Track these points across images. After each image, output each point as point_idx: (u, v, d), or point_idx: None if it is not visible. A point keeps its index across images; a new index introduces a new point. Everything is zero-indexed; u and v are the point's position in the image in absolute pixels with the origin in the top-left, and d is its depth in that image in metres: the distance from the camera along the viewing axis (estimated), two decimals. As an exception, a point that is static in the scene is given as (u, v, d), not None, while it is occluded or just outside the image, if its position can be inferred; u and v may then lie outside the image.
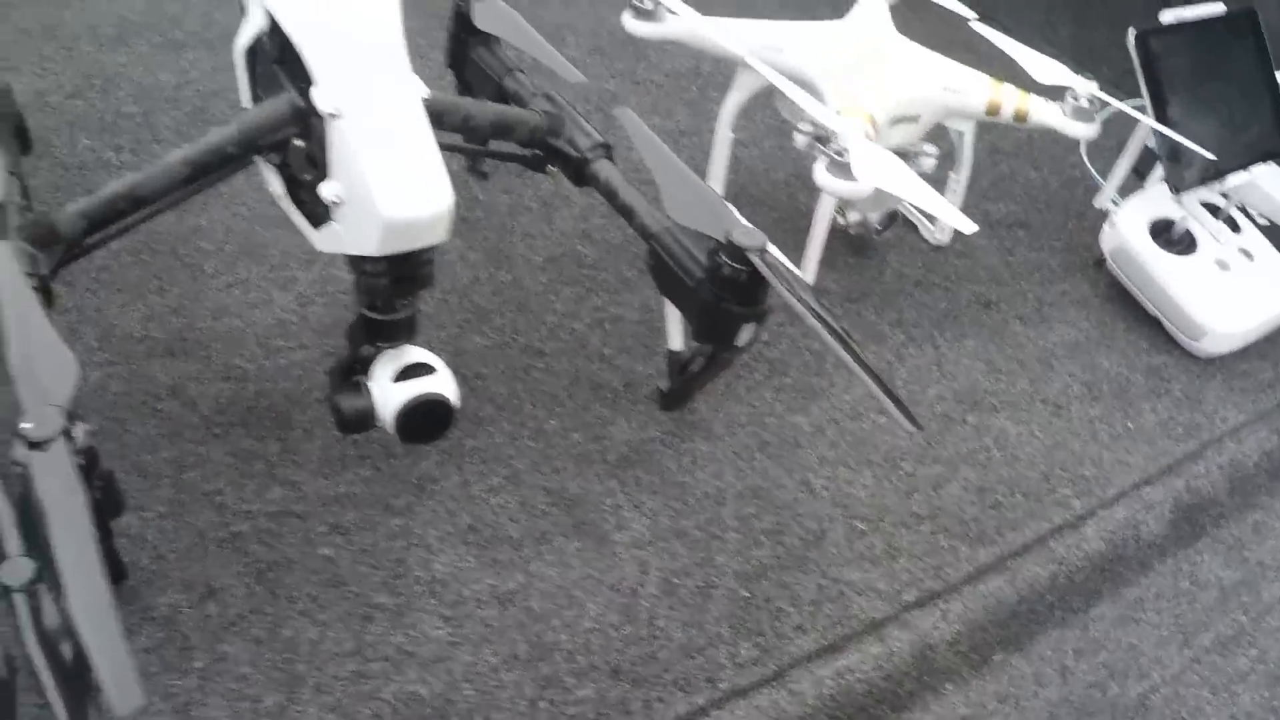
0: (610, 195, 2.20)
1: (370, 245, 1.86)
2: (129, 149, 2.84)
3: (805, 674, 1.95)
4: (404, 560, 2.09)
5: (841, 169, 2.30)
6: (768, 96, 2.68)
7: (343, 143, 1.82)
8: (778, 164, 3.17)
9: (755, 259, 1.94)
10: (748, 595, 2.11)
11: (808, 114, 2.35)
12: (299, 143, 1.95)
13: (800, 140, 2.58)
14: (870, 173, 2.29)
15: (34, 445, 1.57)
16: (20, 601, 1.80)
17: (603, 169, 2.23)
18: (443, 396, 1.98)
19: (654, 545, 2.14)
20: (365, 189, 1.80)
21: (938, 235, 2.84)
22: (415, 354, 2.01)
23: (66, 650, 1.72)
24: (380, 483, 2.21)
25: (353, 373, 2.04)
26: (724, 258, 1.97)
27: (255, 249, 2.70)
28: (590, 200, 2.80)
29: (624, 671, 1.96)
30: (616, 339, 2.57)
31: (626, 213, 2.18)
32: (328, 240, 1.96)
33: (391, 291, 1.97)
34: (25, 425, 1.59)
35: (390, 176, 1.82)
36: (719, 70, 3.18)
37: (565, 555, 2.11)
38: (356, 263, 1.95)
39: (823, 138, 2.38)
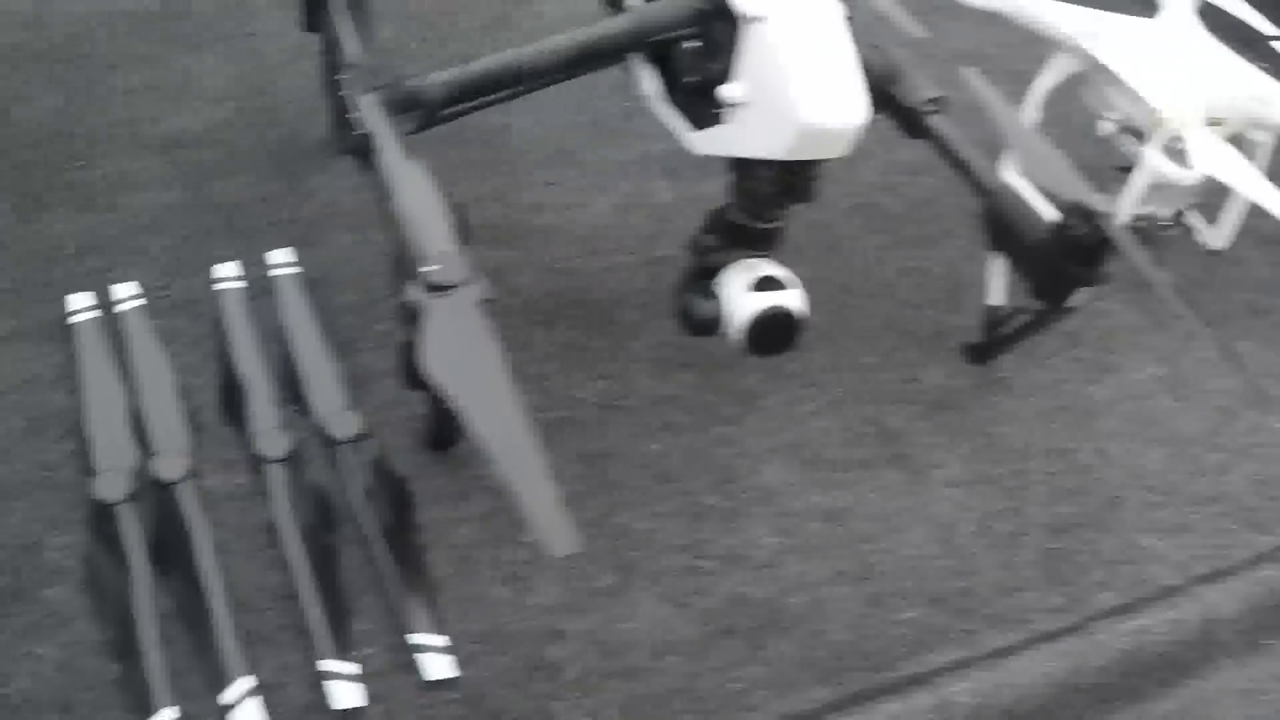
0: (945, 149, 2.16)
1: (776, 148, 1.85)
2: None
3: (1107, 628, 1.94)
4: (732, 467, 2.10)
5: (1176, 155, 2.27)
6: (1072, 83, 2.63)
7: (761, 46, 1.81)
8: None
9: (1106, 224, 1.92)
10: (1055, 546, 2.06)
11: (1147, 102, 2.35)
12: (691, 44, 1.95)
13: (1106, 128, 2.60)
14: (1208, 160, 2.26)
15: (435, 289, 1.60)
16: (276, 472, 1.99)
17: (939, 123, 2.18)
18: (796, 311, 1.97)
19: (968, 487, 2.15)
20: (783, 92, 1.79)
21: (1214, 241, 2.74)
22: (769, 266, 2.00)
23: (319, 521, 1.89)
24: (707, 390, 2.22)
25: (703, 277, 2.04)
26: (1074, 219, 1.95)
27: (567, 154, 2.72)
28: (891, 155, 2.76)
29: (943, 601, 1.93)
30: (924, 290, 2.56)
31: (962, 167, 2.13)
32: (711, 142, 1.95)
33: (774, 200, 1.97)
34: (428, 269, 1.62)
35: (811, 82, 1.80)
36: (1006, 55, 3.09)
37: (886, 483, 2.12)
38: (744, 166, 1.95)
39: (1133, 129, 2.38)
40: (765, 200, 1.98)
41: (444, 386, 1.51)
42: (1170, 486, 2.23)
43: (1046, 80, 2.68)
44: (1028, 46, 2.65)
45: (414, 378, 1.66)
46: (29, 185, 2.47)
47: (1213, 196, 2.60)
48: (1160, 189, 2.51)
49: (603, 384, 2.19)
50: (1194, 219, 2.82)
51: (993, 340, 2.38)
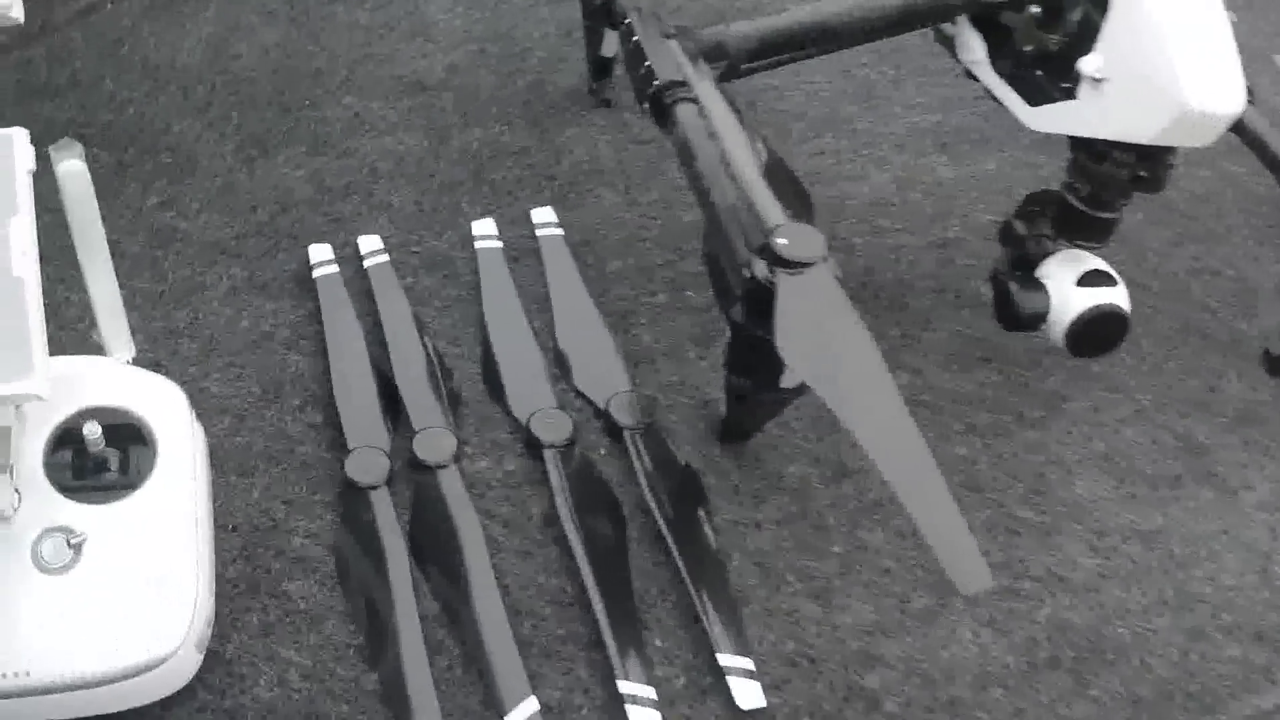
0: (1258, 146, 2.02)
1: (1143, 131, 1.67)
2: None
3: None
4: (1044, 476, 1.93)
5: None
6: None
7: (1135, 16, 1.63)
8: None
9: None
10: None
11: None
12: (1034, 9, 1.79)
13: None
14: None
15: (788, 265, 1.45)
16: (555, 459, 1.81)
17: (1249, 116, 1.96)
18: (1126, 312, 1.81)
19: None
20: (1163, 70, 1.60)
21: None
22: (1094, 260, 1.83)
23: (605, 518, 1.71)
24: (1010, 389, 2.05)
25: (1020, 266, 1.88)
26: None
27: (836, 123, 2.55)
28: None
29: (1265, 638, 1.77)
30: (1215, 291, 2.33)
31: (1277, 167, 1.99)
32: (1055, 119, 1.79)
33: (1123, 188, 1.78)
34: (779, 242, 1.46)
35: (1196, 61, 1.61)
36: None
37: (1198, 504, 1.94)
38: (1092, 149, 1.76)
39: None
40: (1113, 188, 1.79)
41: (809, 377, 1.40)
42: None
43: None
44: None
45: (743, 365, 1.58)
46: (253, 126, 2.31)
47: None
48: None
49: (903, 377, 1.99)
50: None
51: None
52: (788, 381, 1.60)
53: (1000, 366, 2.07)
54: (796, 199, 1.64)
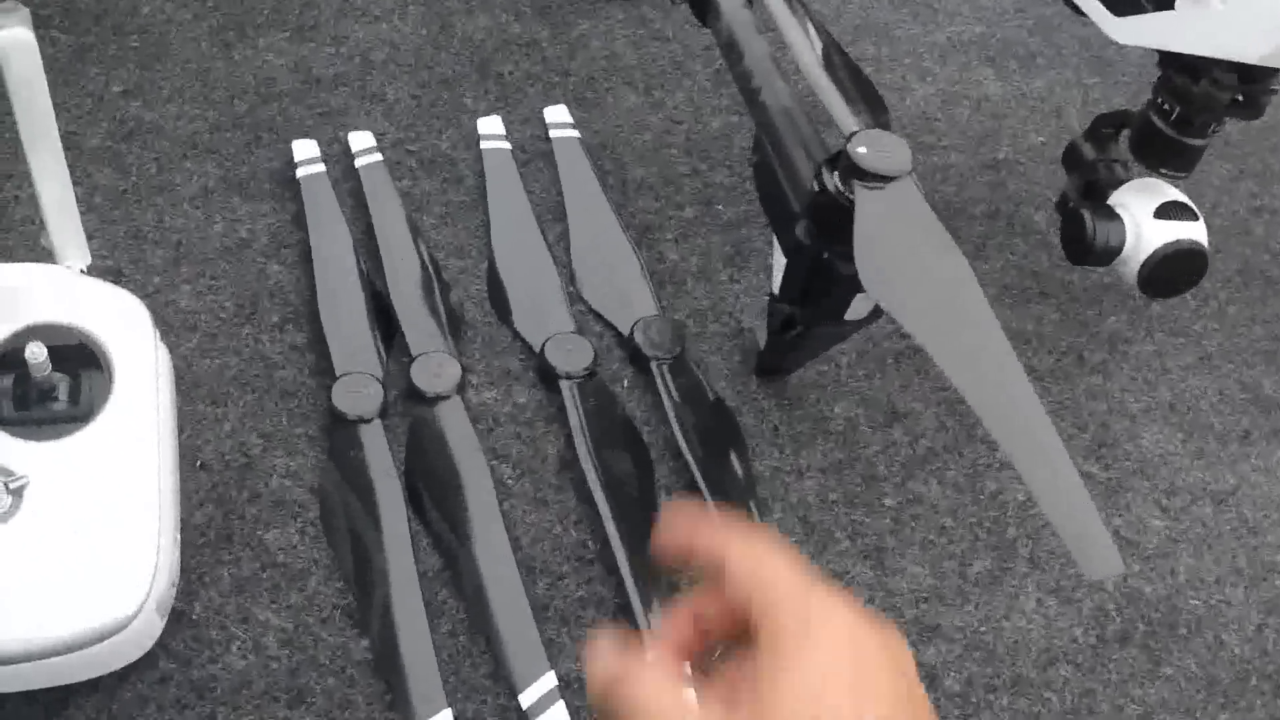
0: None
1: (1256, 50, 1.51)
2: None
3: None
4: (1108, 427, 1.80)
5: None
6: None
7: None
8: None
9: None
10: None
11: None
12: None
13: None
14: None
15: (869, 178, 1.30)
16: (568, 389, 1.63)
17: None
18: (1206, 249, 1.66)
19: None
20: None
21: None
22: (1173, 191, 1.68)
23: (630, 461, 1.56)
24: (1069, 328, 1.91)
25: (1089, 195, 1.73)
26: None
27: (874, 29, 2.39)
28: None
29: None
30: (1278, 232, 2.20)
31: None
32: (1147, 31, 1.61)
33: (1217, 111, 1.62)
34: (861, 150, 1.30)
35: None
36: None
37: (1270, 463, 1.81)
38: (1187, 67, 1.61)
39: None
40: (1207, 111, 1.62)
41: (897, 312, 1.23)
42: None
43: None
44: None
45: (801, 293, 1.43)
46: (231, 7, 2.09)
47: None
48: None
49: None
50: None
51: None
52: (854, 313, 1.43)
53: (1059, 303, 1.94)
54: (869, 101, 1.47)
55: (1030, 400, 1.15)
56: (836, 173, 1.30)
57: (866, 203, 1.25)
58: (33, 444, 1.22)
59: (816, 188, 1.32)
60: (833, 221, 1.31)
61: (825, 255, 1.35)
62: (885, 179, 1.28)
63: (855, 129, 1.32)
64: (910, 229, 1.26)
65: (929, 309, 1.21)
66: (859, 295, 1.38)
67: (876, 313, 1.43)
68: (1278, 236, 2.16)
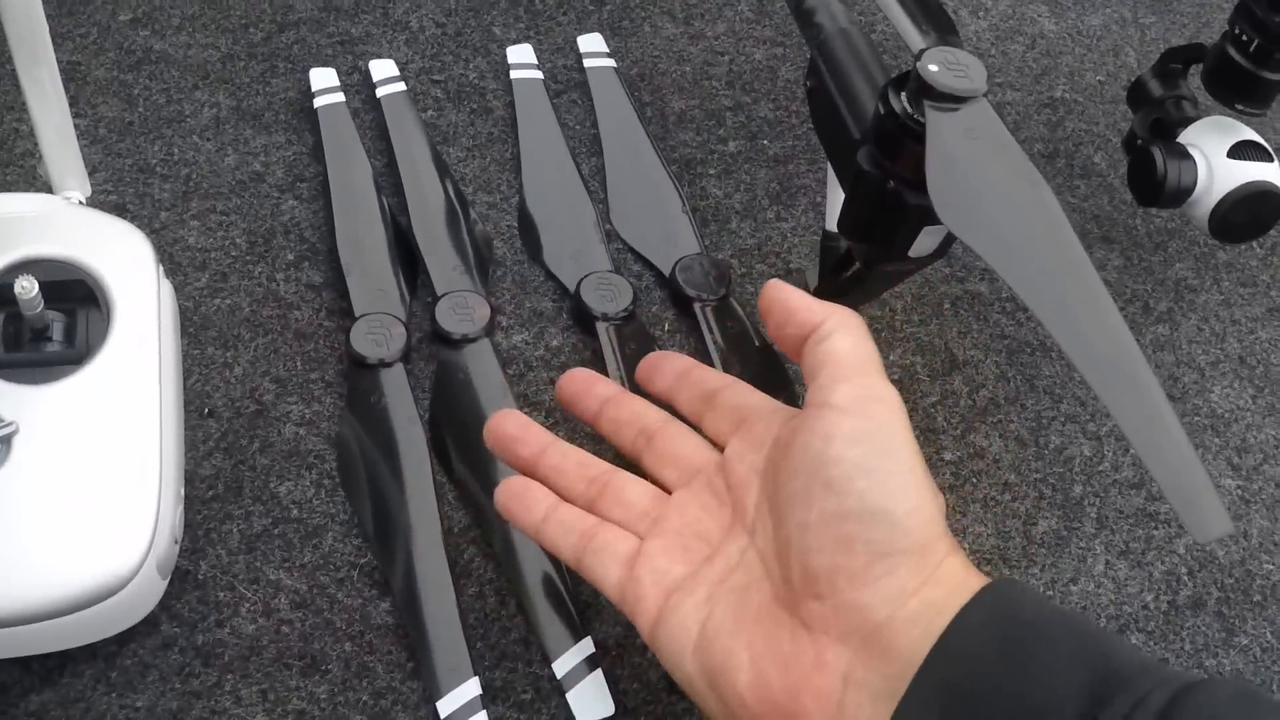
0: None
1: None
2: None
3: None
4: (1178, 380, 1.75)
5: None
6: None
7: None
8: None
9: None
10: None
11: None
12: None
13: None
14: None
15: (941, 99, 1.22)
16: (604, 331, 1.56)
17: None
18: None
19: None
20: None
21: None
22: (1247, 130, 1.62)
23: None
24: (1133, 275, 1.86)
25: (1157, 133, 1.68)
26: None
27: None
28: None
29: None
30: None
31: None
32: None
33: None
34: (932, 68, 1.24)
35: None
36: None
37: None
38: None
39: None
40: None
41: (980, 247, 1.14)
42: None
43: None
44: None
45: (864, 227, 1.32)
46: None
47: None
48: None
49: None
50: None
51: None
52: (919, 249, 1.34)
53: (1123, 248, 1.89)
54: (935, 17, 1.39)
55: (1129, 345, 1.07)
56: (904, 94, 1.22)
57: (939, 125, 1.17)
58: (23, 388, 1.15)
59: (881, 110, 1.23)
60: (900, 147, 1.23)
61: (891, 185, 1.26)
62: (959, 99, 1.19)
63: (924, 45, 1.24)
64: (988, 153, 1.18)
65: (1011, 240, 1.14)
66: (926, 229, 1.30)
67: (943, 249, 1.35)
68: None
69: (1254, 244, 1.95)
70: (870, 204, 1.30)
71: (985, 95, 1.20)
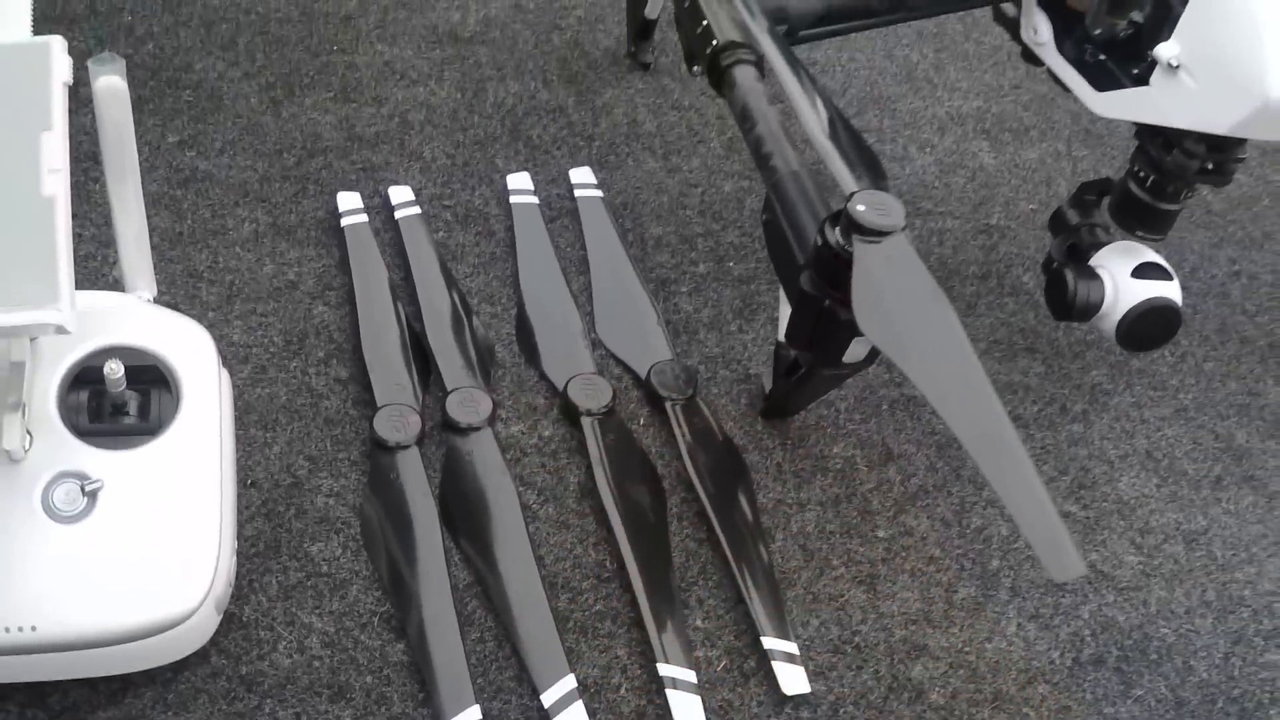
0: None
1: (1220, 122, 1.60)
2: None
3: None
4: (1089, 472, 1.90)
5: None
6: None
7: (1221, 3, 1.56)
8: None
9: None
10: None
11: None
12: None
13: None
14: None
15: (866, 233, 1.40)
16: (589, 424, 1.76)
17: None
18: (1179, 306, 1.76)
19: None
20: (1249, 60, 1.54)
21: None
22: (1150, 253, 1.78)
23: (645, 490, 1.62)
24: (1054, 380, 2.02)
25: (1073, 256, 1.83)
26: None
27: (878, 102, 2.52)
28: None
29: None
30: (1254, 295, 2.31)
31: None
32: (1125, 106, 1.73)
33: (1190, 179, 1.72)
34: (859, 208, 1.40)
35: None
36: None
37: (1240, 507, 1.91)
38: (1161, 138, 1.71)
39: None
40: (1180, 178, 1.73)
41: (889, 350, 1.34)
42: None
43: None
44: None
45: (805, 337, 1.53)
46: (280, 65, 2.24)
47: None
48: None
49: None
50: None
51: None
52: (851, 356, 1.53)
53: (1044, 357, 2.05)
54: (868, 165, 1.57)
55: (1005, 426, 1.26)
56: (837, 228, 1.41)
57: (864, 255, 1.36)
58: (107, 453, 1.33)
59: (819, 241, 1.43)
60: (833, 272, 1.42)
61: (827, 303, 1.45)
62: (881, 234, 1.38)
63: (855, 189, 1.43)
64: (902, 278, 1.37)
65: (916, 348, 1.32)
66: (856, 339, 1.48)
67: (871, 357, 1.52)
68: (1254, 299, 2.26)
69: (1165, 353, 2.09)
70: (810, 318, 1.50)
71: (904, 229, 1.38)
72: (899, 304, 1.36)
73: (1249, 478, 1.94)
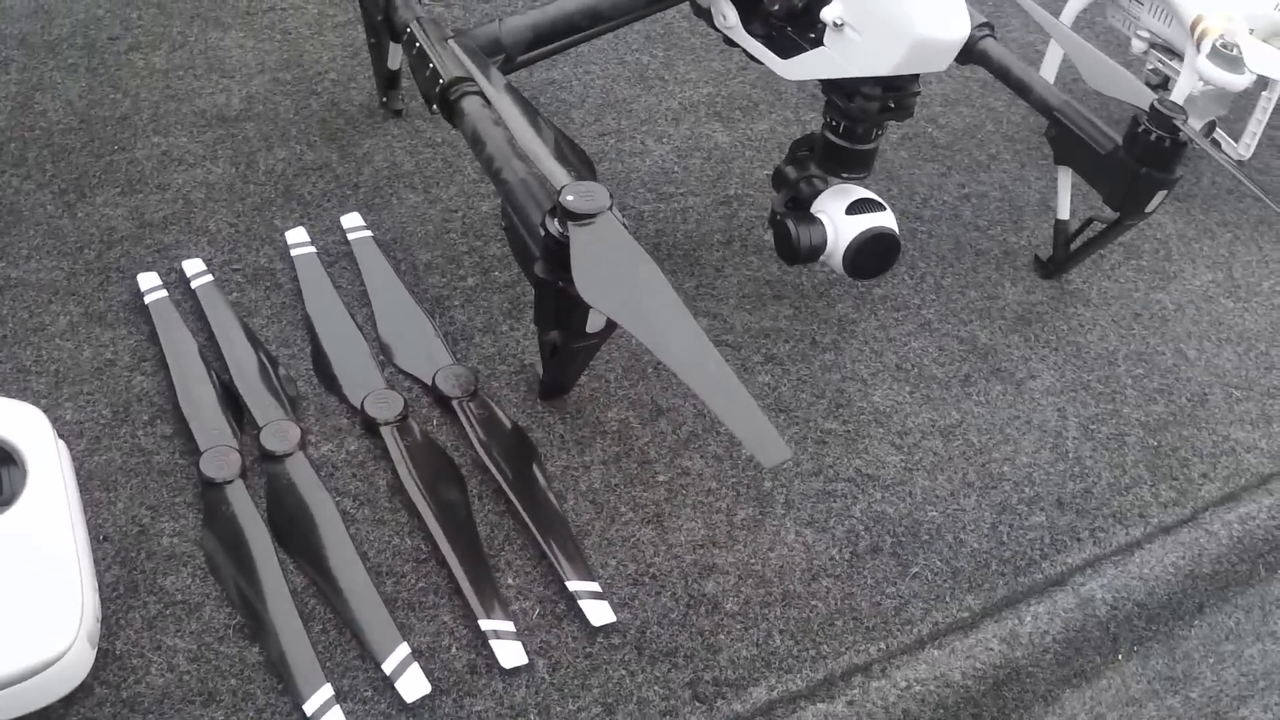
0: (1002, 73, 2.18)
1: (883, 64, 1.82)
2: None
3: (1216, 517, 1.99)
4: (844, 391, 2.09)
5: (1229, 62, 2.31)
6: (1100, 7, 2.69)
7: None
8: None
9: (1181, 125, 1.94)
10: (1155, 444, 2.09)
11: (1183, 14, 2.35)
12: None
13: (1137, 46, 2.61)
14: (1263, 63, 2.30)
15: (578, 218, 1.57)
16: (388, 433, 1.93)
17: (991, 47, 2.20)
18: (894, 231, 1.96)
19: (1065, 394, 2.16)
20: (894, 7, 1.77)
21: (1240, 151, 2.77)
22: (860, 190, 1.97)
23: (446, 480, 1.80)
24: (802, 320, 2.21)
25: (796, 207, 2.02)
26: (1149, 124, 1.98)
27: (616, 105, 2.70)
28: (926, 88, 2.80)
29: (1066, 503, 1.96)
30: (985, 212, 2.55)
31: (1022, 89, 2.17)
32: (806, 67, 1.92)
33: (875, 119, 1.93)
34: (568, 200, 1.58)
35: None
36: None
37: (990, 397, 2.12)
38: (842, 89, 1.92)
39: (1164, 45, 2.41)
40: (866, 120, 1.94)
41: (609, 311, 1.50)
42: (1248, 382, 2.26)
43: (1076, 3, 2.74)
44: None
45: (551, 318, 1.68)
46: (68, 172, 2.37)
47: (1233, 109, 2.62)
48: (1192, 100, 2.50)
49: (703, 322, 2.15)
50: (1221, 132, 2.84)
51: (1065, 255, 2.37)
52: (592, 326, 1.71)
53: (792, 301, 2.23)
54: (579, 163, 1.75)
55: (708, 350, 1.45)
56: (555, 219, 1.60)
57: (578, 236, 1.55)
58: None
59: (543, 232, 1.62)
60: (559, 257, 1.59)
61: (560, 284, 1.63)
62: (590, 216, 1.57)
63: (564, 182, 1.61)
64: (611, 251, 1.56)
65: (631, 304, 1.51)
66: (592, 310, 1.65)
67: (612, 324, 1.69)
68: (985, 215, 2.49)
69: (904, 276, 2.26)
70: (550, 301, 1.68)
71: (610, 209, 1.56)
72: (611, 272, 1.53)
73: (996, 370, 2.13)
